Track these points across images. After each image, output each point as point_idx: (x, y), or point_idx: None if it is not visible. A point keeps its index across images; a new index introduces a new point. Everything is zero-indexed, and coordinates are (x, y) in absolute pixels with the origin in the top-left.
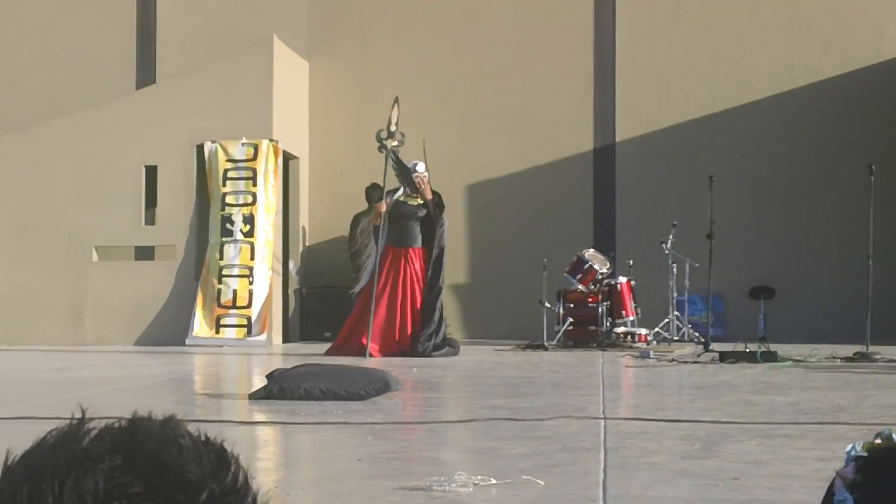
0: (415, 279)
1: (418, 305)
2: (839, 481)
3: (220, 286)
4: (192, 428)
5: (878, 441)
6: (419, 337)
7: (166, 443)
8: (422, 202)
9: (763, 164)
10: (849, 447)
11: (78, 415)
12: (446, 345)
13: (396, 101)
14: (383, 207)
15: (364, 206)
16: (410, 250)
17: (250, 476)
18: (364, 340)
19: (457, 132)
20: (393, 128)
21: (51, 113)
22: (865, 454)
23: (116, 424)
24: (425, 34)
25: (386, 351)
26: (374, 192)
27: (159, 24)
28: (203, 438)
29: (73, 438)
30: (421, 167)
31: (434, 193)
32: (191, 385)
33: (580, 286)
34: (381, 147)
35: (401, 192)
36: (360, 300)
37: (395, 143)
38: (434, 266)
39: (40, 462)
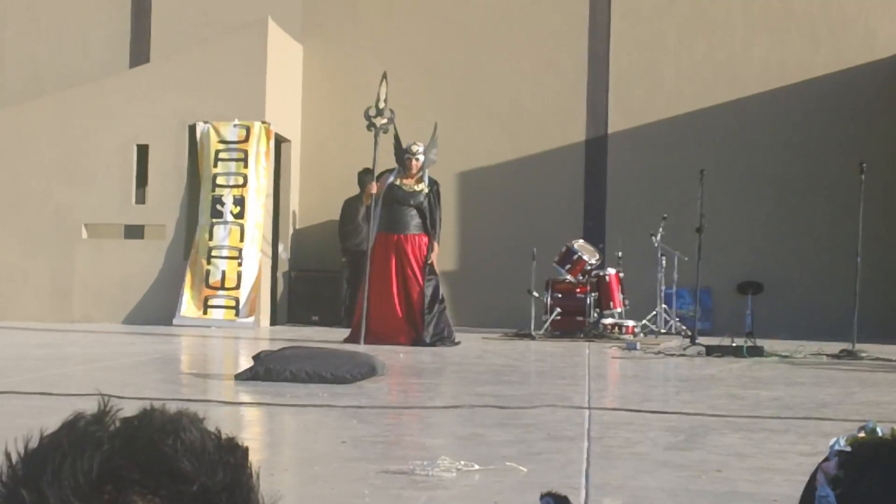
0: (406, 265)
1: (415, 294)
2: (821, 476)
3: (208, 267)
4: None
5: (862, 435)
6: (421, 326)
7: (166, 433)
8: (418, 188)
9: (754, 160)
10: (832, 441)
11: (104, 402)
12: (448, 337)
13: (384, 77)
14: (373, 189)
15: (356, 190)
16: (401, 237)
17: (256, 482)
18: (370, 327)
19: (447, 118)
20: (381, 105)
21: (41, 90)
22: (849, 449)
23: (129, 414)
24: (417, 20)
25: (388, 340)
26: (366, 178)
27: (154, 3)
28: (215, 437)
29: (83, 422)
30: (418, 148)
31: (432, 182)
32: (177, 364)
33: (569, 276)
34: (370, 125)
35: (395, 174)
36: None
37: (384, 120)
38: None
39: (50, 441)
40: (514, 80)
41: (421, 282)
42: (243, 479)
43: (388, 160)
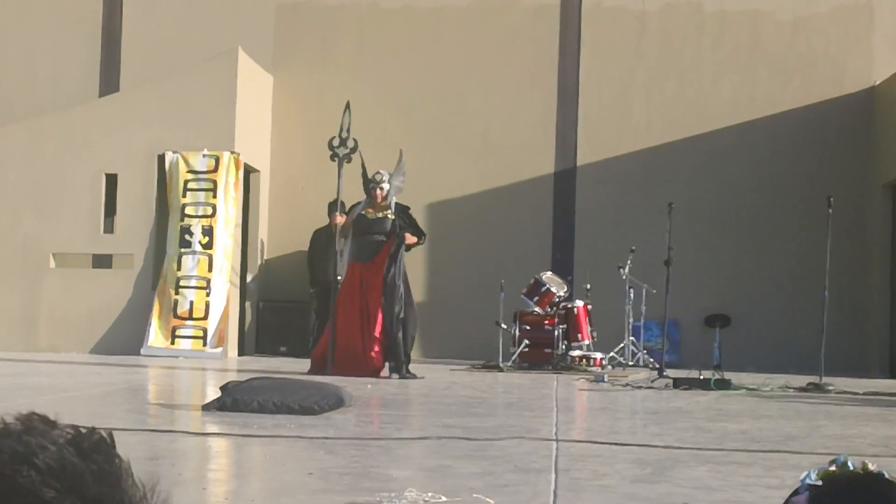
0: (370, 294)
1: (379, 322)
2: None
3: (176, 297)
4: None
5: (833, 469)
6: (387, 355)
7: (18, 461)
8: (383, 215)
9: (722, 193)
10: (803, 475)
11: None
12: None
13: (347, 106)
14: (338, 220)
15: (325, 221)
16: (367, 264)
17: (128, 466)
18: (337, 358)
19: (417, 151)
20: (344, 134)
21: (10, 118)
22: (820, 483)
23: None
24: (389, 52)
25: (350, 370)
26: (334, 208)
27: (125, 32)
28: (73, 439)
29: None
30: (381, 176)
31: (401, 209)
32: (144, 395)
33: (537, 308)
34: (333, 155)
35: (362, 205)
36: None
37: (347, 150)
38: (389, 261)
39: None
40: (485, 113)
41: (387, 303)
42: (113, 472)
43: (354, 191)
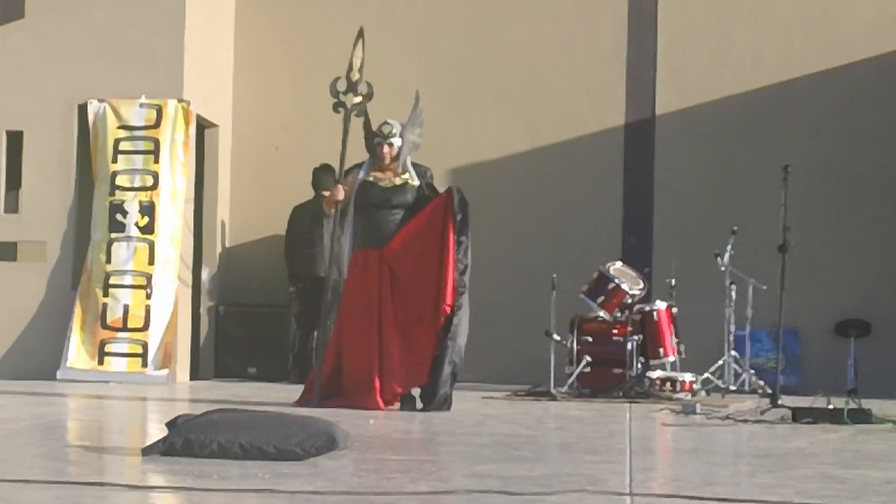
0: (397, 291)
1: (416, 333)
2: None
3: (105, 300)
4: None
5: None
6: (416, 380)
7: None
8: (401, 181)
9: (859, 152)
10: None
11: None
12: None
13: (360, 35)
14: (340, 194)
15: (308, 194)
16: (384, 252)
17: None
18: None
19: (438, 97)
20: (355, 75)
21: None
22: None
23: None
24: None
25: (364, 402)
26: (325, 177)
27: None
28: None
29: None
30: (391, 128)
31: (420, 170)
32: (63, 434)
33: (602, 313)
34: (339, 105)
35: (365, 167)
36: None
37: (358, 98)
38: (457, 232)
39: None
40: (532, 48)
41: (426, 312)
42: None
43: (358, 153)
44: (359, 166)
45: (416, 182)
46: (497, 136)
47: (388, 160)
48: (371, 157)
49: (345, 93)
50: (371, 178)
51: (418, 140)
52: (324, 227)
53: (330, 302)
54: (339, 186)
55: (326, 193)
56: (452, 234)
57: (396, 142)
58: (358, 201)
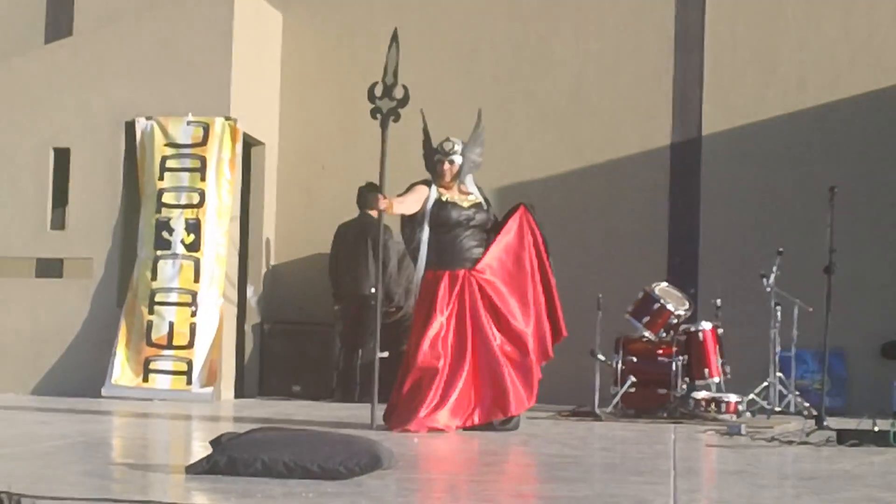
0: (486, 306)
1: (507, 346)
2: None
3: (151, 317)
4: None
5: None
6: (510, 395)
7: None
8: (476, 200)
9: None
10: None
11: None
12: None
13: (395, 38)
14: (382, 204)
15: (353, 212)
16: (465, 273)
17: None
18: (418, 411)
19: (485, 115)
20: (390, 79)
21: None
22: None
23: None
24: None
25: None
26: (370, 196)
27: None
28: None
29: None
30: (452, 145)
31: (483, 199)
32: (107, 451)
33: (647, 333)
34: (376, 111)
35: (433, 186)
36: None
37: (392, 102)
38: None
39: None
40: (577, 66)
41: (512, 328)
42: None
43: (403, 164)
44: (425, 182)
45: (485, 204)
46: (541, 155)
47: (447, 178)
48: (431, 175)
49: (381, 98)
50: (445, 198)
51: (479, 159)
52: (369, 245)
53: (374, 321)
54: (382, 197)
55: (374, 213)
56: (545, 253)
57: (458, 159)
58: (436, 220)
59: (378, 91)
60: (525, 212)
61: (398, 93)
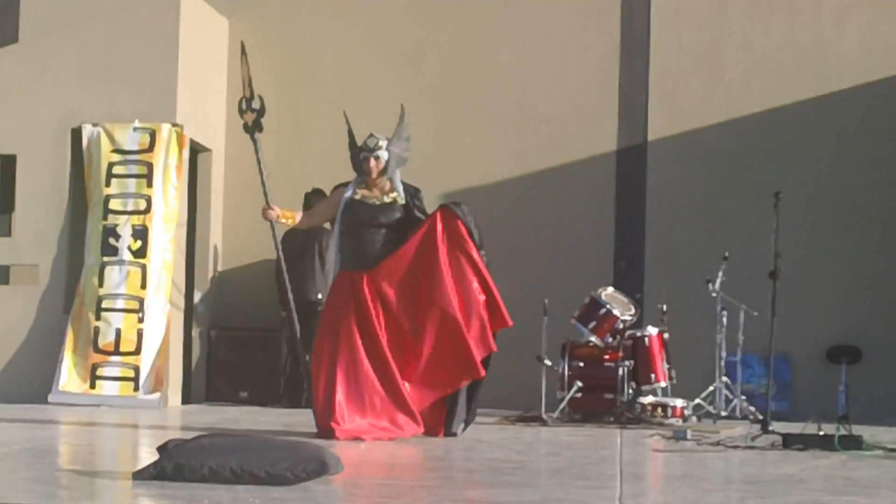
0: (393, 311)
1: (421, 349)
2: None
3: (98, 323)
4: None
5: None
6: (450, 405)
7: None
8: (390, 199)
9: (850, 178)
10: None
11: None
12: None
13: (243, 51)
14: (271, 216)
15: None
16: (368, 275)
17: None
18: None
19: (427, 121)
20: (247, 91)
21: None
22: None
23: None
24: None
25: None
26: (316, 201)
27: None
28: None
29: None
30: (376, 140)
31: (411, 192)
32: (54, 458)
33: (594, 338)
34: (246, 126)
35: (351, 186)
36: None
37: (252, 114)
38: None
39: None
40: (522, 72)
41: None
42: None
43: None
44: (344, 185)
45: (404, 201)
46: (487, 161)
47: (375, 174)
48: (357, 174)
49: (244, 111)
50: (358, 196)
51: (405, 154)
52: (315, 251)
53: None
54: (266, 207)
55: (268, 215)
56: (474, 247)
57: (383, 155)
58: (343, 220)
59: (243, 105)
60: (446, 211)
61: (255, 104)
